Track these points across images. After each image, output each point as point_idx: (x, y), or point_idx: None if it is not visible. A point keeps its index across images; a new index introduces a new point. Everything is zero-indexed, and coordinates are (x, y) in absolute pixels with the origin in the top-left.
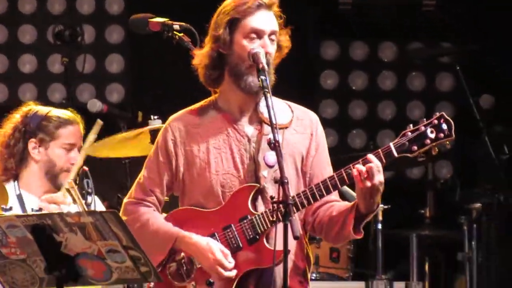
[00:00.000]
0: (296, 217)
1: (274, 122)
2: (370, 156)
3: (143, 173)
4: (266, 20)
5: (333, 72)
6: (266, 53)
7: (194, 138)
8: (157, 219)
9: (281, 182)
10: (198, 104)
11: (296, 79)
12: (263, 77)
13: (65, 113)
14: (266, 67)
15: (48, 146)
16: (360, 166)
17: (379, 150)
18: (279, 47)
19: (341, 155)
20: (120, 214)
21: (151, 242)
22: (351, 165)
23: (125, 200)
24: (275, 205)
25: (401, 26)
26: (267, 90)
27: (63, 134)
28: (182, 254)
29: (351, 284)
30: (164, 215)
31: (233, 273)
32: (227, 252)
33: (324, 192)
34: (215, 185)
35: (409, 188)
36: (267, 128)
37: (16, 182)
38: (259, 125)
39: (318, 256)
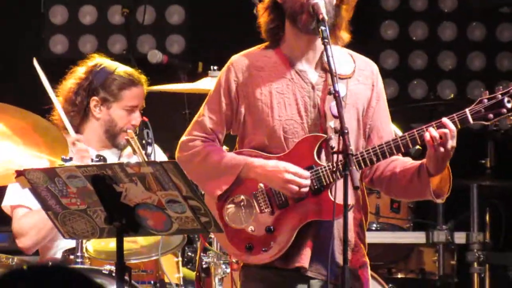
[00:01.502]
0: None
1: (334, 72)
2: (445, 120)
3: (202, 111)
4: None
5: (393, 22)
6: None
7: (257, 81)
8: (219, 150)
9: (341, 132)
10: (262, 45)
11: (356, 29)
12: (323, 28)
13: (130, 73)
14: (326, 17)
15: (111, 106)
16: (433, 131)
17: (454, 115)
18: None
19: (402, 105)
20: (177, 152)
21: (214, 172)
22: (424, 127)
23: (183, 138)
24: (335, 155)
25: None
26: (327, 40)
27: (126, 96)
28: (242, 196)
29: (412, 234)
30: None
31: (308, 181)
32: (298, 168)
33: (395, 151)
34: (277, 130)
35: (469, 138)
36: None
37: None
38: (324, 73)
39: (378, 206)
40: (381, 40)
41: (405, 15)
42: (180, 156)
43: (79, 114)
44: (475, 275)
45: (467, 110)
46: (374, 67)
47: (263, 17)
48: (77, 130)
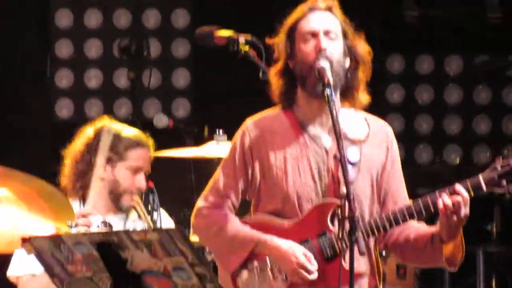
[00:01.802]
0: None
1: (339, 136)
2: (459, 187)
3: (217, 176)
4: (319, 19)
5: (399, 85)
6: (320, 50)
7: (271, 146)
8: (235, 222)
9: (347, 198)
10: (276, 108)
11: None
12: (327, 92)
13: (137, 135)
14: (331, 80)
15: (115, 165)
16: (447, 199)
17: (467, 181)
18: (355, 59)
19: (407, 169)
20: (192, 217)
21: (229, 246)
22: (437, 192)
23: (199, 203)
24: (340, 221)
25: (466, 39)
26: (332, 103)
27: (132, 156)
28: (256, 262)
29: None
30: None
31: (315, 276)
32: (310, 255)
33: (408, 218)
34: (292, 196)
35: (475, 203)
36: (345, 143)
37: (81, 201)
38: None
39: (384, 272)
40: (387, 103)
41: (411, 79)
42: (195, 222)
43: (86, 173)
44: None
45: (480, 176)
46: (389, 130)
47: (275, 81)
48: (84, 194)
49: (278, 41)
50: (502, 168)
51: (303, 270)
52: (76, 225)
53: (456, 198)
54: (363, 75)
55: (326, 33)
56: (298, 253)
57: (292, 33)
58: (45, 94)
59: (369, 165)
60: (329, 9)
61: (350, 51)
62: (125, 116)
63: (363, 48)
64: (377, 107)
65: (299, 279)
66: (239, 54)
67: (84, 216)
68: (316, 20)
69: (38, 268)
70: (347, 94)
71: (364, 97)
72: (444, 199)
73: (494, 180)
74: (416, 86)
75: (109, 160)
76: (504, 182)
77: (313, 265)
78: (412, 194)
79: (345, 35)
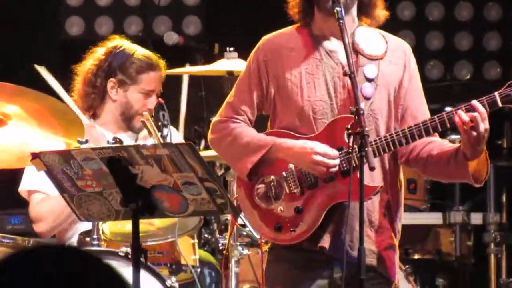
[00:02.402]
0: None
1: (349, 52)
2: (475, 103)
3: (233, 92)
4: None
5: (409, 2)
6: None
7: (287, 61)
8: (250, 131)
9: (356, 112)
10: (294, 26)
11: None
12: (338, 8)
13: (149, 57)
14: None
15: (128, 89)
16: (463, 115)
17: (483, 98)
18: None
19: None
20: (209, 132)
21: (244, 151)
22: (453, 109)
23: (215, 118)
24: (351, 136)
25: None
26: (342, 21)
27: (144, 80)
28: (272, 176)
29: (428, 215)
30: None
31: (337, 161)
32: (326, 147)
33: (424, 134)
34: (307, 111)
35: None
36: (362, 59)
37: (92, 119)
38: (355, 55)
39: None
40: (398, 20)
41: None
42: (211, 137)
43: (99, 96)
44: (492, 255)
45: (496, 93)
46: (407, 47)
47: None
48: (95, 113)
49: None
50: None
51: (323, 157)
52: (86, 141)
53: (473, 113)
54: None
55: None
56: (314, 143)
57: None
58: (55, 12)
59: (386, 81)
60: None
61: None
62: (136, 33)
63: None
64: (387, 24)
65: (322, 169)
66: None
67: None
68: None
69: (50, 188)
70: (365, 10)
71: (382, 13)
72: (461, 115)
73: (510, 96)
74: (427, 2)
75: (120, 83)
76: None
77: (331, 151)
78: None
79: None
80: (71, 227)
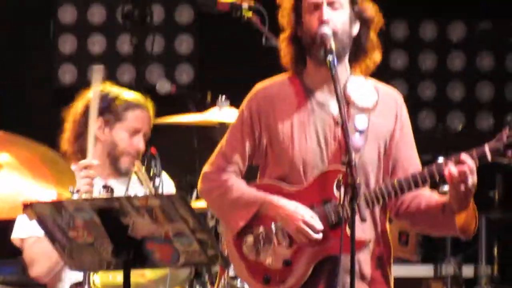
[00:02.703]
0: (363, 203)
1: (341, 100)
2: (464, 156)
3: (225, 141)
4: None
5: (402, 51)
6: (323, 22)
7: (279, 112)
8: (240, 185)
9: (348, 163)
10: (285, 74)
11: None
12: (329, 59)
13: (136, 97)
14: (333, 47)
15: (113, 127)
16: (453, 168)
17: (473, 150)
18: (363, 20)
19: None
20: (199, 182)
21: (234, 206)
22: (443, 161)
23: (205, 168)
24: (342, 188)
25: (470, 5)
26: (334, 70)
27: (129, 117)
28: (261, 228)
29: (420, 268)
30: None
31: (320, 236)
32: (315, 215)
33: (413, 186)
34: (297, 162)
35: (477, 169)
36: (353, 110)
37: None
38: (346, 106)
39: None
40: (390, 69)
41: (414, 45)
42: (201, 187)
43: (84, 136)
44: None
45: (486, 146)
46: (398, 97)
47: (284, 48)
48: (84, 157)
49: (285, 9)
50: (508, 139)
51: (309, 228)
52: (78, 191)
53: (462, 167)
54: (374, 34)
55: (330, 3)
56: (304, 212)
57: (298, 2)
58: (48, 60)
59: (377, 133)
60: None
61: (359, 17)
62: (128, 82)
63: (371, 10)
64: (380, 73)
65: (304, 238)
66: (242, 20)
67: (86, 167)
68: None
69: (40, 230)
70: (359, 56)
71: (377, 56)
72: (451, 169)
73: (499, 150)
74: (419, 52)
75: (107, 122)
76: (510, 153)
77: (318, 224)
78: None
79: (352, 2)
80: (61, 277)
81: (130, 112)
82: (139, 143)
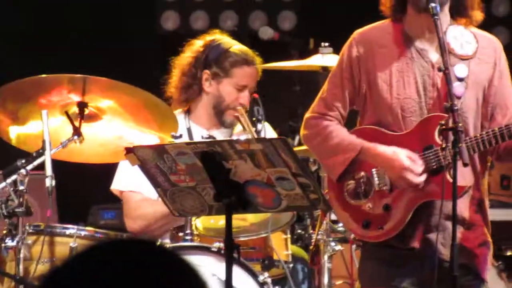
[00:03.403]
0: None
1: (444, 48)
2: None
3: (325, 87)
4: None
5: None
6: None
7: (378, 58)
8: (340, 131)
9: (450, 108)
10: (385, 21)
11: None
12: (432, 4)
13: (245, 52)
14: None
15: (221, 81)
16: None
17: None
18: None
19: None
20: (301, 128)
21: (334, 152)
22: None
23: (307, 114)
24: (444, 132)
25: None
26: (437, 17)
27: (237, 74)
28: (362, 173)
29: None
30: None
31: (422, 178)
32: (415, 157)
33: (507, 137)
34: (395, 108)
35: None
36: (453, 59)
37: (186, 115)
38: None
39: (488, 183)
40: (492, 17)
41: None
42: (304, 133)
43: (196, 87)
44: None
45: None
46: (497, 44)
47: None
48: (189, 108)
49: None
50: None
51: (409, 173)
52: (180, 136)
53: None
54: None
55: None
56: (403, 156)
57: None
58: (150, 6)
59: (476, 81)
60: None
61: None
62: (231, 28)
63: None
64: (482, 20)
65: (405, 183)
66: None
67: None
68: None
69: (143, 187)
70: (461, 11)
71: (478, 15)
72: None
73: None
74: None
75: (214, 75)
76: None
77: (418, 168)
78: None
79: None
80: (163, 232)
81: (239, 68)
82: (245, 98)
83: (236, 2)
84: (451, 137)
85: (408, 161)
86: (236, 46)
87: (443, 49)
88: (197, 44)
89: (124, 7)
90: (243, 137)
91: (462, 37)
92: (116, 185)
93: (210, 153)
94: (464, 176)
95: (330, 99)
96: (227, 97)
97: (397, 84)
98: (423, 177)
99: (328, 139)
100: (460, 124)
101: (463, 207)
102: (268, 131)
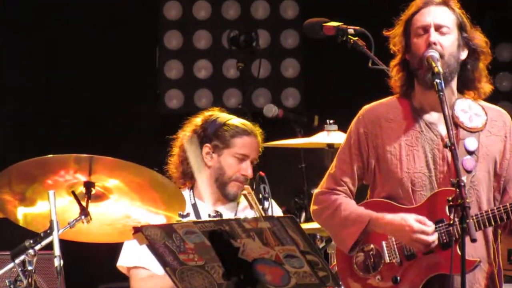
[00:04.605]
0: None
1: (449, 124)
2: None
3: (334, 163)
4: (431, 14)
5: (508, 73)
6: (430, 44)
7: (386, 132)
8: (349, 204)
9: (457, 184)
10: (393, 96)
11: None
12: (437, 81)
13: (245, 124)
14: (440, 70)
15: (222, 153)
16: None
17: None
18: (473, 50)
19: None
20: (311, 204)
21: (343, 225)
22: None
23: (316, 190)
24: (452, 208)
25: None
26: (442, 93)
27: (237, 144)
28: (372, 245)
29: None
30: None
31: (435, 237)
32: (423, 218)
33: None
34: (405, 182)
35: None
36: (463, 132)
37: (191, 191)
38: (455, 128)
39: None
40: (497, 91)
41: None
42: (313, 209)
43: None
44: None
45: None
46: (507, 117)
47: (394, 73)
48: (191, 185)
49: (395, 35)
50: None
51: (421, 234)
52: (188, 215)
53: None
54: (483, 65)
55: (438, 27)
56: (411, 220)
57: (407, 27)
58: (154, 85)
59: (487, 153)
60: (444, 2)
61: (467, 43)
62: (235, 106)
63: (480, 39)
64: (487, 95)
65: (420, 246)
66: (348, 44)
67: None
68: (428, 15)
69: (151, 263)
70: (469, 85)
71: (487, 87)
72: None
73: None
74: None
75: (215, 148)
76: None
77: (429, 227)
78: None
79: (461, 28)
80: None
81: (238, 138)
82: (247, 169)
83: (240, 79)
84: (458, 211)
85: (417, 223)
86: (235, 119)
87: (448, 125)
88: (196, 120)
89: (128, 86)
90: (249, 214)
91: (471, 110)
92: (123, 262)
93: (218, 232)
94: (476, 251)
95: (339, 175)
96: (229, 169)
97: (407, 158)
98: (435, 236)
99: (337, 213)
100: (467, 200)
101: (475, 281)
102: (275, 209)
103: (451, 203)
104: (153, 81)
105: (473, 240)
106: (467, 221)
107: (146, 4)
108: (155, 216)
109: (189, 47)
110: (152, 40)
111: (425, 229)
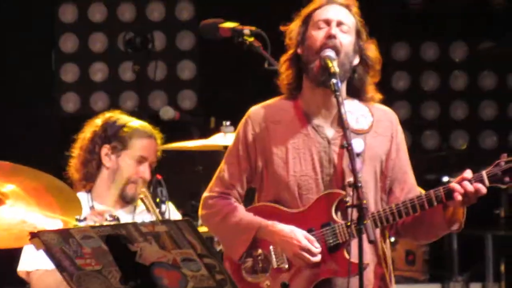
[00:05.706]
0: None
1: (346, 125)
2: (454, 185)
3: (222, 166)
4: (335, 10)
5: (404, 73)
6: (330, 36)
7: (273, 135)
8: (238, 210)
9: (354, 186)
10: (281, 97)
11: None
12: (334, 81)
13: (144, 126)
14: (337, 70)
15: (120, 154)
16: (459, 196)
17: (471, 177)
18: (365, 61)
19: (415, 156)
20: (200, 208)
21: (233, 233)
22: (440, 189)
23: (205, 194)
24: (349, 209)
25: (471, 25)
26: (338, 93)
27: (136, 145)
28: (260, 250)
29: (427, 286)
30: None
31: (318, 258)
32: (312, 238)
33: (411, 212)
34: (292, 186)
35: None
36: (349, 134)
37: (89, 193)
38: (341, 129)
39: (393, 259)
40: (393, 90)
41: (416, 65)
42: (202, 213)
43: (95, 164)
44: None
45: (483, 172)
46: (393, 116)
47: (283, 69)
48: (91, 185)
49: (292, 28)
50: (506, 164)
51: (306, 253)
52: (85, 219)
53: (458, 196)
54: (371, 80)
55: (339, 24)
56: (300, 236)
57: (306, 20)
58: (50, 89)
59: (373, 155)
60: (347, 6)
61: (360, 51)
62: (131, 109)
63: (373, 52)
64: (383, 95)
65: (302, 262)
66: (244, 45)
67: (100, 214)
68: (332, 10)
69: (49, 263)
70: (355, 89)
71: (377, 95)
72: (457, 197)
73: (497, 176)
74: (421, 72)
75: (114, 149)
76: (507, 179)
77: (316, 248)
78: (420, 180)
79: (358, 34)
80: None
81: (137, 140)
82: (145, 171)
83: (136, 82)
84: (350, 213)
85: (305, 241)
86: (134, 121)
87: (345, 126)
88: (96, 121)
89: (24, 90)
90: (146, 218)
91: (357, 111)
92: (23, 266)
93: (115, 236)
94: (365, 253)
95: (227, 178)
96: (126, 170)
97: (294, 161)
98: (319, 257)
99: (227, 219)
100: (364, 201)
101: (365, 284)
102: (172, 212)
103: (348, 203)
104: (49, 85)
105: (371, 241)
106: (365, 222)
107: (41, 7)
108: (52, 221)
109: (85, 50)
110: (48, 43)
111: (311, 248)
